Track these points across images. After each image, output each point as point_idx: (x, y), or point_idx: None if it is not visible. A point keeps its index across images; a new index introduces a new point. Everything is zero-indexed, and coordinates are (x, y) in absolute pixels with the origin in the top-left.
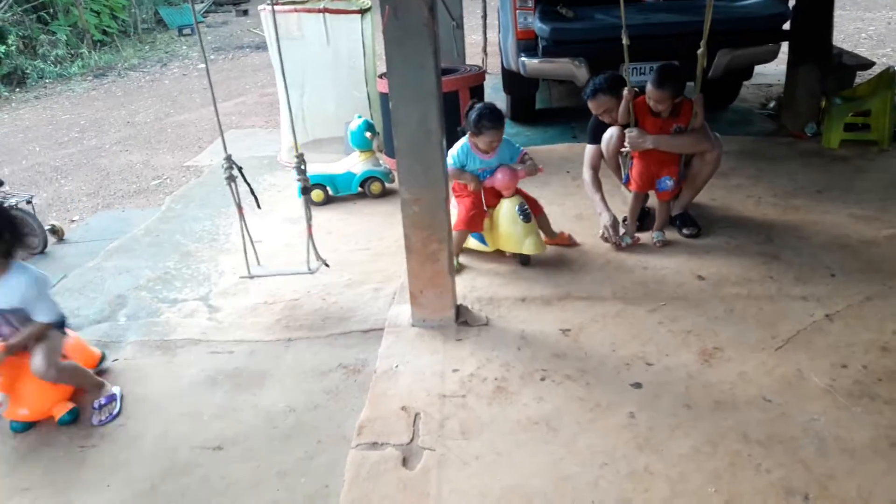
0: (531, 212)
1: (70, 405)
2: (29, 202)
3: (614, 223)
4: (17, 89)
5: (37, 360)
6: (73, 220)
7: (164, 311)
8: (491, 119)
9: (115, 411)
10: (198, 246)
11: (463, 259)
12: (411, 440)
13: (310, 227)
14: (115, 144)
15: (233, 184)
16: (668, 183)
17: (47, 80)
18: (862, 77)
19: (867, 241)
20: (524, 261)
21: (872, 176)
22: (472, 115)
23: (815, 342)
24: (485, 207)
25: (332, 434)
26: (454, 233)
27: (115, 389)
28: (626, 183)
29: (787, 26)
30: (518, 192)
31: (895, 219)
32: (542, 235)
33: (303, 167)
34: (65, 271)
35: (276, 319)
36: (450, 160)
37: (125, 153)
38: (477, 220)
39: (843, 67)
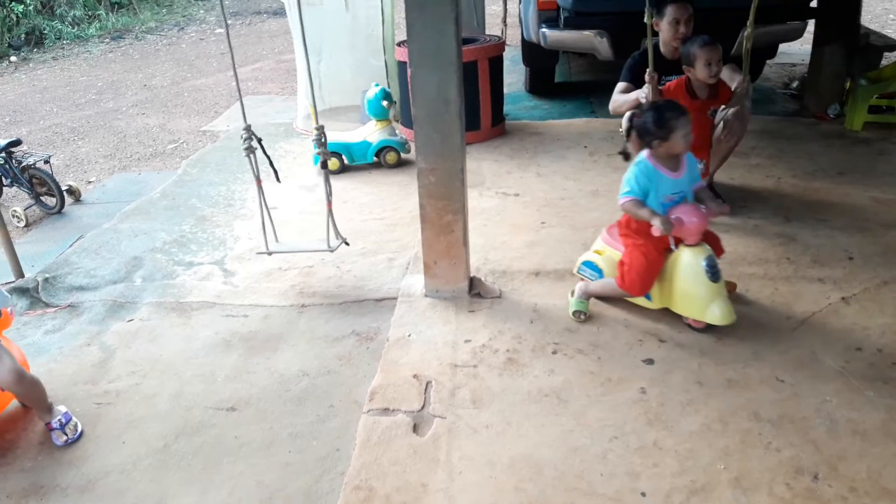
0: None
1: None
2: (47, 162)
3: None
4: (35, 50)
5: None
6: (89, 182)
7: (179, 274)
8: (672, 108)
9: (80, 429)
10: (213, 210)
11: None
12: (422, 407)
13: (330, 202)
14: (132, 107)
15: (252, 155)
16: (699, 166)
17: (65, 42)
18: (889, 59)
19: (887, 225)
20: (706, 329)
21: (895, 159)
22: (648, 118)
23: (830, 324)
24: (672, 247)
25: (344, 399)
26: (620, 288)
27: (63, 408)
28: None
29: (814, 4)
30: (705, 238)
31: None
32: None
33: (323, 139)
34: (81, 232)
35: (291, 285)
36: (626, 189)
37: (142, 116)
38: (651, 280)
39: (870, 48)
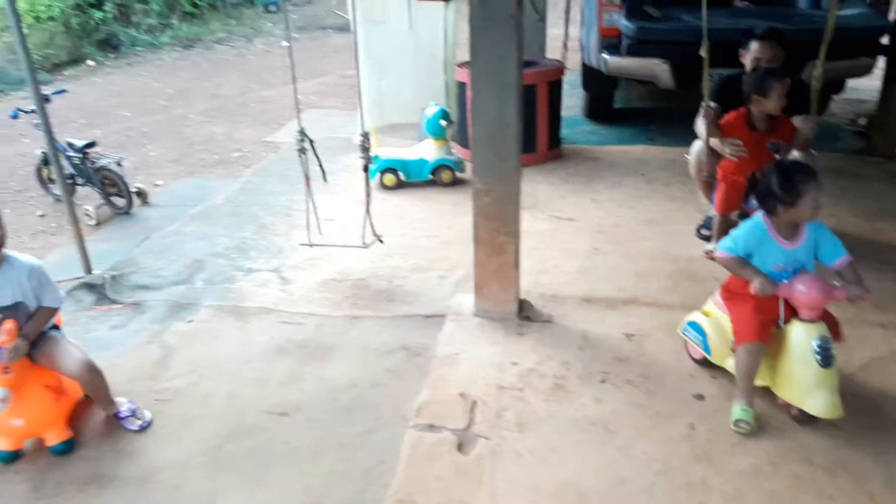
0: (834, 351)
1: (68, 433)
2: (119, 164)
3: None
4: (111, 55)
5: (70, 359)
6: (157, 185)
7: (238, 279)
8: (801, 170)
9: (149, 415)
10: (273, 219)
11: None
12: (467, 426)
13: (368, 203)
14: (200, 115)
15: (303, 156)
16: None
17: (139, 48)
18: None
19: None
20: (802, 418)
21: None
22: (773, 180)
23: (891, 371)
24: (780, 317)
25: (391, 412)
26: (740, 349)
27: (125, 399)
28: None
29: (885, 40)
30: (823, 317)
31: None
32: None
33: (366, 145)
34: (147, 233)
35: (344, 296)
36: (727, 244)
37: (209, 124)
38: (767, 328)
39: None
